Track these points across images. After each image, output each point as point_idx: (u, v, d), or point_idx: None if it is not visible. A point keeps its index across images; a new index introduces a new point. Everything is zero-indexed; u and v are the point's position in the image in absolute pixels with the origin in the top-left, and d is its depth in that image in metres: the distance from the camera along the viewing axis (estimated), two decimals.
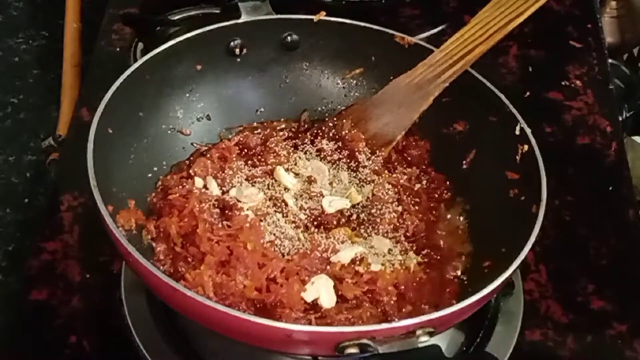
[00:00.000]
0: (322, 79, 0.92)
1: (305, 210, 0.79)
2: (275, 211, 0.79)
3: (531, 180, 0.74)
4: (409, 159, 0.86)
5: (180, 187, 0.79)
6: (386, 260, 0.76)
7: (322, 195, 0.80)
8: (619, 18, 1.36)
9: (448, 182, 0.85)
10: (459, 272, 0.77)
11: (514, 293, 0.82)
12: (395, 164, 0.85)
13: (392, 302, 0.72)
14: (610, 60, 1.15)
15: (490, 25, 0.79)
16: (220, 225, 0.75)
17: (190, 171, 0.82)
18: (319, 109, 0.92)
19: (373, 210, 0.80)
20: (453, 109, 0.84)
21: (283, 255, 0.74)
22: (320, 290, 0.71)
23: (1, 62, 2.07)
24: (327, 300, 0.71)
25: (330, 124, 0.88)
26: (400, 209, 0.80)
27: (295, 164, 0.84)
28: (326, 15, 0.88)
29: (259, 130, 0.89)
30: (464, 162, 0.84)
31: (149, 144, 0.82)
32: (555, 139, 1.02)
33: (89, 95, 1.02)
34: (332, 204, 0.79)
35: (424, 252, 0.78)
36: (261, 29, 0.88)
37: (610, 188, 0.96)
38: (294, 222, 0.78)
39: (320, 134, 0.87)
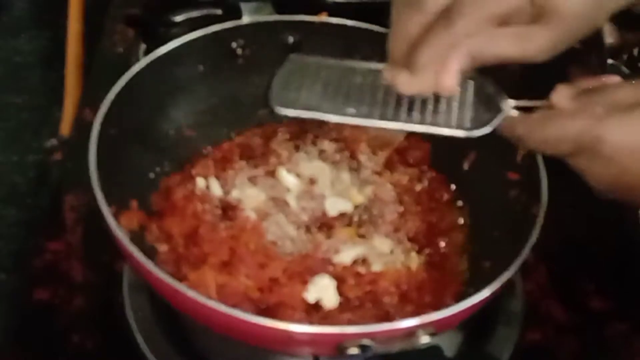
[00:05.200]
0: None
1: (307, 210, 0.80)
2: (277, 212, 0.79)
3: (532, 181, 0.74)
4: (410, 159, 0.87)
5: (183, 187, 0.79)
6: (388, 260, 0.76)
7: (324, 196, 0.81)
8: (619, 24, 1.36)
9: (449, 183, 0.85)
10: (460, 273, 0.77)
11: (515, 293, 0.82)
12: (397, 164, 0.86)
13: (394, 302, 0.72)
14: (610, 61, 1.15)
15: None
16: (222, 226, 0.75)
17: (193, 172, 0.82)
18: None
19: (374, 211, 0.80)
20: None
21: (285, 255, 0.75)
22: (322, 290, 0.71)
23: (4, 62, 2.06)
24: (329, 300, 0.71)
25: (332, 125, 0.88)
26: (401, 209, 0.81)
27: (297, 165, 0.84)
28: (328, 16, 0.88)
29: (261, 131, 0.89)
30: (465, 162, 0.84)
31: (151, 145, 0.82)
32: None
33: (92, 96, 1.02)
34: (335, 206, 0.79)
35: (425, 253, 0.78)
36: (263, 29, 0.88)
37: None
38: (295, 222, 0.78)
39: (322, 134, 0.88)
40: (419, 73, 0.59)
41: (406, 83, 0.60)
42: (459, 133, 0.62)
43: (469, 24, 0.57)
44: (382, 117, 0.63)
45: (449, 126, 0.62)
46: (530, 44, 0.58)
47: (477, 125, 0.62)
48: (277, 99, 0.66)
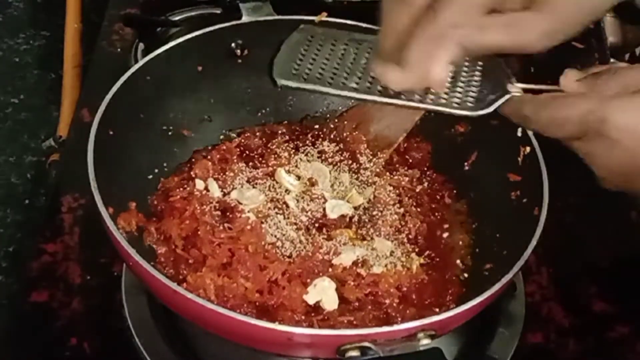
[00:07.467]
0: None
1: (306, 212, 0.79)
2: (277, 213, 0.78)
3: (533, 182, 0.74)
4: (411, 160, 0.86)
5: (181, 189, 0.79)
6: (388, 262, 0.76)
7: (324, 197, 0.80)
8: (621, 18, 1.36)
9: (450, 184, 0.85)
10: (461, 274, 0.77)
11: (516, 295, 0.82)
12: (397, 165, 0.85)
13: (394, 304, 0.72)
14: (612, 60, 1.15)
15: None
16: (221, 228, 0.75)
17: (192, 173, 0.82)
18: (321, 110, 0.92)
19: (374, 212, 0.79)
20: None
21: (284, 257, 0.74)
22: (322, 292, 0.71)
23: (2, 62, 2.07)
24: (329, 302, 0.71)
25: (332, 126, 0.88)
26: (401, 210, 0.80)
27: (297, 166, 0.83)
28: (327, 16, 0.88)
29: (260, 132, 0.89)
30: (466, 163, 0.84)
31: (150, 146, 0.82)
32: (557, 141, 1.01)
33: (90, 96, 1.02)
34: (335, 209, 0.79)
35: (425, 254, 0.78)
36: (262, 29, 0.87)
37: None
38: (295, 224, 0.78)
39: (322, 135, 0.87)
40: (409, 68, 0.58)
41: (396, 79, 0.59)
42: (461, 112, 0.61)
43: (455, 14, 0.56)
44: (384, 94, 0.62)
45: (451, 105, 0.61)
46: (522, 33, 0.57)
47: (480, 105, 0.62)
48: (280, 70, 0.66)
